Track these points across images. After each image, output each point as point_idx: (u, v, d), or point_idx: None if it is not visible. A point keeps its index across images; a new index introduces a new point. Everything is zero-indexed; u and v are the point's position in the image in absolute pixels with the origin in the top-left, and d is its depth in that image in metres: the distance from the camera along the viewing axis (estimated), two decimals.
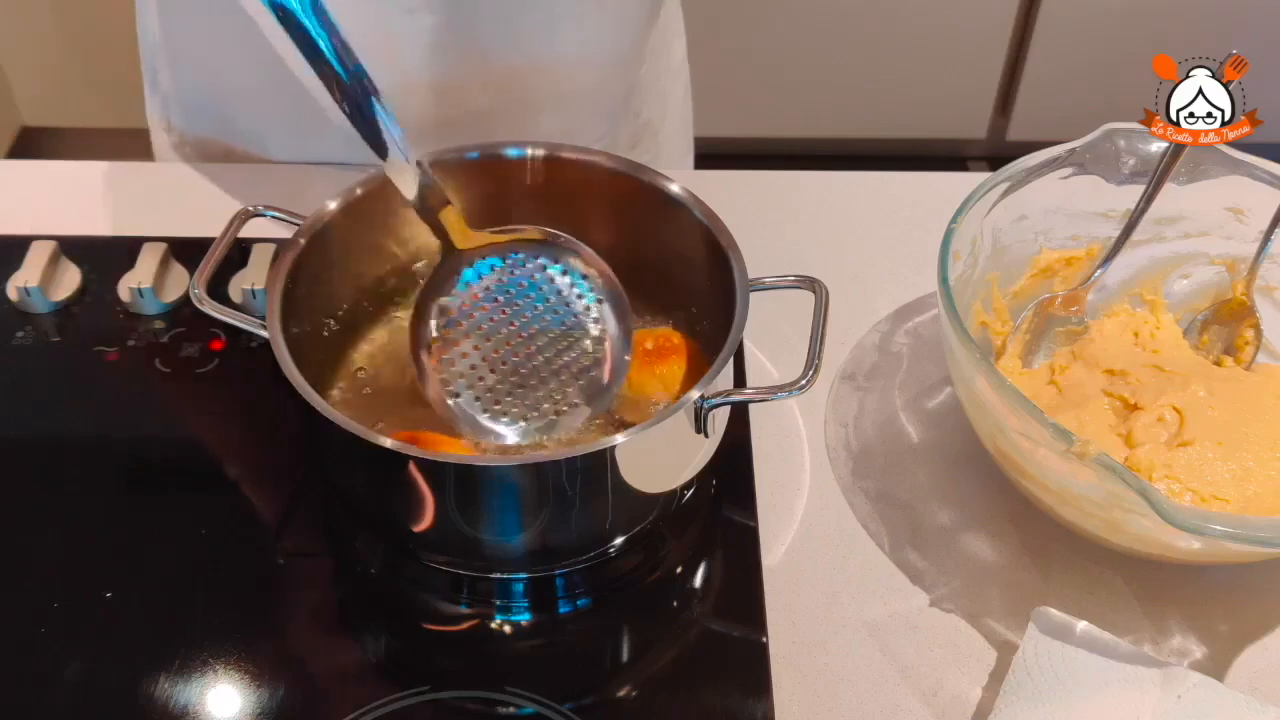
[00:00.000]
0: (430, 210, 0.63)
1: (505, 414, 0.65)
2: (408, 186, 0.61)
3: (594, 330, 0.66)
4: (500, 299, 0.65)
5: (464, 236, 0.64)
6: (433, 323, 0.65)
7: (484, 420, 0.64)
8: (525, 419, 0.65)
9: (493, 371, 0.65)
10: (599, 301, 0.66)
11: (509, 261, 0.65)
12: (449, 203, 0.63)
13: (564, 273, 0.66)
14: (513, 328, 0.65)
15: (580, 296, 0.66)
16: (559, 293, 0.66)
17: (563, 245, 0.65)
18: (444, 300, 0.65)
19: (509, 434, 0.65)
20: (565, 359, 0.65)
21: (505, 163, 0.71)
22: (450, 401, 0.64)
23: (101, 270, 0.82)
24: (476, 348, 0.65)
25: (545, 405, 0.65)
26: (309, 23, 0.55)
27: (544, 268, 0.66)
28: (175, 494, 0.72)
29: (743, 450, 0.73)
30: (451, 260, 0.65)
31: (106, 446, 0.74)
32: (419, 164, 0.61)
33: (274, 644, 0.64)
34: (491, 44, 0.84)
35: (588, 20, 0.88)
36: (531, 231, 0.65)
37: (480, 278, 0.65)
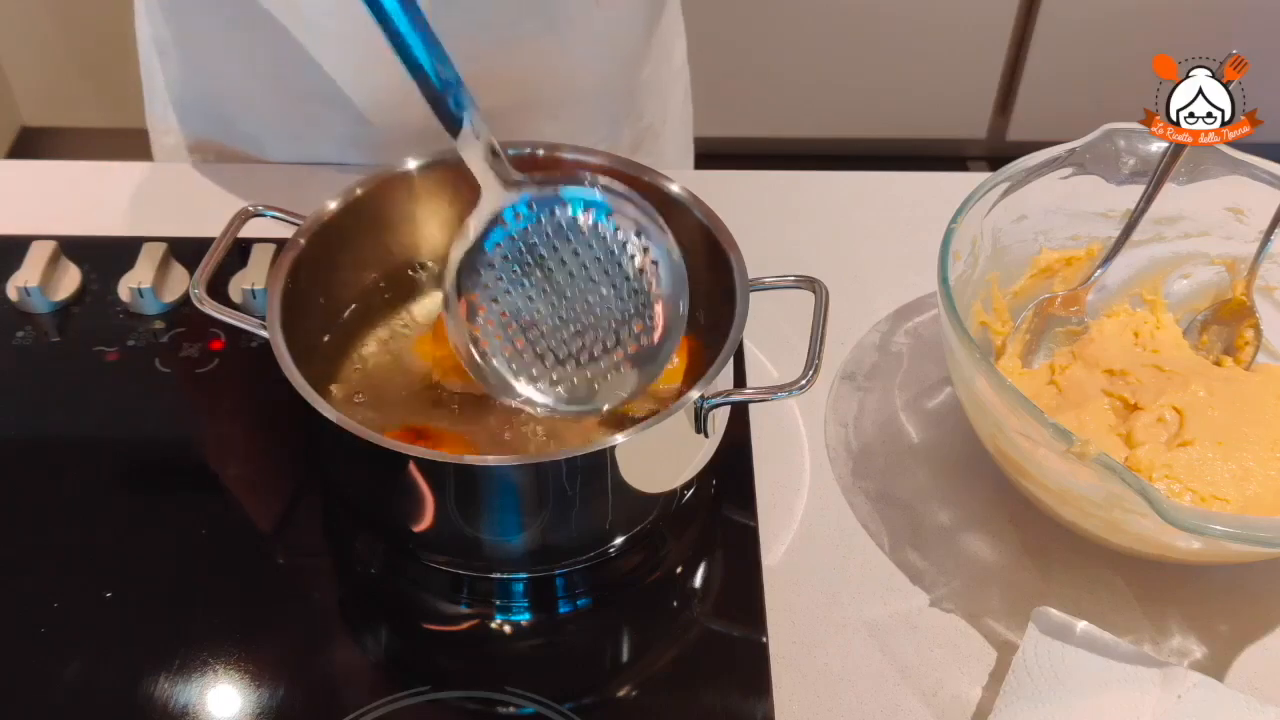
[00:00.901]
0: (479, 160, 0.59)
1: (541, 378, 0.61)
2: (472, 157, 0.59)
3: (644, 288, 0.60)
4: (542, 251, 0.60)
5: (508, 180, 0.59)
6: (464, 275, 0.59)
7: (517, 384, 0.60)
8: (563, 384, 0.61)
9: (528, 330, 0.60)
10: (649, 256, 0.60)
11: (554, 210, 0.59)
12: (498, 155, 0.59)
13: (614, 224, 0.60)
14: (553, 283, 0.60)
15: (630, 250, 0.60)
16: (604, 242, 0.60)
17: (616, 193, 0.60)
18: (478, 250, 0.59)
19: (544, 399, 0.61)
20: (611, 320, 0.61)
21: None
22: (480, 360, 0.60)
23: (101, 270, 0.82)
24: (512, 304, 0.60)
25: (588, 371, 0.61)
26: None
27: (591, 217, 0.60)
28: (175, 494, 0.72)
29: (743, 450, 0.73)
30: (489, 206, 0.59)
31: (106, 446, 0.74)
32: (481, 128, 0.58)
33: (274, 644, 0.64)
34: (493, 47, 0.84)
35: (589, 23, 0.88)
36: (582, 176, 0.60)
37: (520, 227, 0.59)
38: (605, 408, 0.62)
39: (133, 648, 0.63)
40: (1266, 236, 0.74)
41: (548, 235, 0.60)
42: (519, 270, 0.60)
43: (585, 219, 0.60)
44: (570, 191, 0.60)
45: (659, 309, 0.61)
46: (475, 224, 0.59)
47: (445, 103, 0.57)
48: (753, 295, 0.64)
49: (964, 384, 0.69)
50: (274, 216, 0.68)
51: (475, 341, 0.60)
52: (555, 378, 0.61)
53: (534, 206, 0.59)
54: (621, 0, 0.90)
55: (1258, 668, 0.64)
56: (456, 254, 0.59)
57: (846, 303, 0.81)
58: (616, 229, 0.60)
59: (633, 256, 0.60)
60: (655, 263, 0.61)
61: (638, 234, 0.60)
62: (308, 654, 0.64)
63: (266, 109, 0.91)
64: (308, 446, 0.73)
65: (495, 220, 0.59)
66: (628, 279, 0.60)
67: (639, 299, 0.61)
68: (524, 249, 0.60)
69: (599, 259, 0.60)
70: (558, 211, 0.59)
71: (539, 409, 0.61)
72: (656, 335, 0.61)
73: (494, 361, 0.60)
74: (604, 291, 0.61)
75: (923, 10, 2.07)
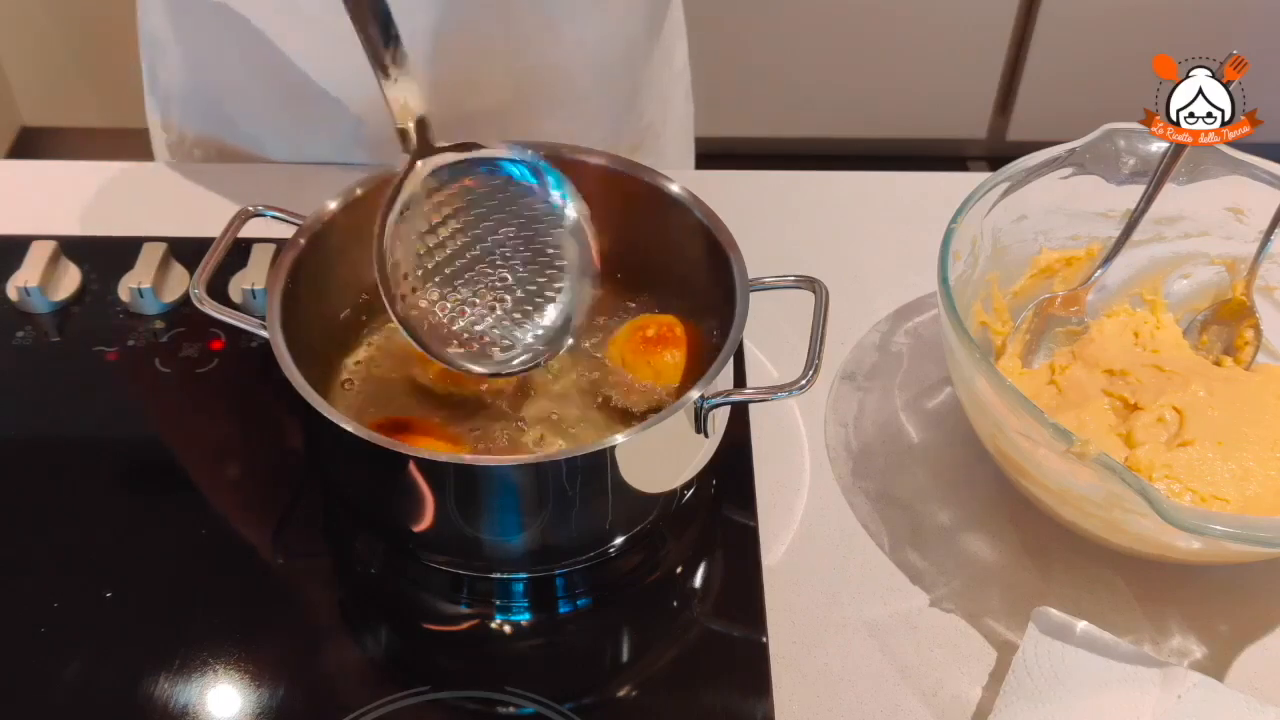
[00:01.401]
0: (407, 127, 0.61)
1: (463, 345, 0.63)
2: (400, 102, 0.60)
3: (553, 257, 0.63)
4: (456, 221, 0.62)
5: (431, 148, 0.61)
6: (389, 240, 0.61)
7: (443, 350, 0.62)
8: (483, 350, 0.63)
9: (449, 298, 0.62)
10: (564, 225, 0.63)
11: (470, 178, 0.62)
12: (424, 119, 0.61)
13: (532, 191, 0.62)
14: (471, 252, 0.63)
15: (544, 219, 0.63)
16: (518, 210, 0.62)
17: (536, 161, 0.63)
18: (400, 216, 0.61)
19: (467, 364, 0.63)
20: (524, 286, 0.63)
21: None
22: (410, 324, 0.62)
23: (101, 270, 0.82)
24: (431, 271, 0.62)
25: (507, 337, 0.63)
26: None
27: (509, 184, 0.62)
28: (175, 494, 0.72)
29: (743, 450, 0.73)
30: (413, 176, 0.61)
31: (106, 446, 0.74)
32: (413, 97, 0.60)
33: (274, 644, 0.64)
34: (491, 45, 0.85)
35: (589, 23, 0.88)
36: (493, 146, 0.63)
37: (440, 195, 0.62)
38: (532, 365, 0.64)
39: (133, 648, 0.63)
40: (1266, 236, 0.74)
41: (465, 204, 0.62)
42: (439, 238, 0.62)
43: (501, 185, 0.62)
44: (490, 158, 0.62)
45: (568, 276, 0.64)
46: (403, 190, 0.61)
47: (387, 70, 0.59)
48: (753, 295, 0.64)
49: (964, 384, 0.69)
50: (274, 216, 0.68)
51: (402, 301, 0.62)
52: (476, 345, 0.63)
53: (450, 174, 0.61)
54: (621, 0, 0.90)
55: (1258, 668, 0.64)
56: (381, 220, 0.61)
57: (846, 303, 0.81)
58: (534, 197, 0.62)
59: (546, 225, 0.63)
60: (563, 228, 0.63)
61: (553, 205, 0.62)
62: (308, 654, 0.64)
63: (266, 108, 0.91)
64: (308, 446, 0.73)
65: (417, 188, 0.61)
66: (539, 248, 0.63)
67: (551, 270, 0.63)
68: (441, 217, 0.62)
69: (515, 226, 0.62)
70: (472, 180, 0.61)
71: (467, 370, 0.63)
72: (564, 303, 0.64)
73: (419, 330, 0.62)
74: (520, 257, 0.63)
75: (923, 10, 2.07)
